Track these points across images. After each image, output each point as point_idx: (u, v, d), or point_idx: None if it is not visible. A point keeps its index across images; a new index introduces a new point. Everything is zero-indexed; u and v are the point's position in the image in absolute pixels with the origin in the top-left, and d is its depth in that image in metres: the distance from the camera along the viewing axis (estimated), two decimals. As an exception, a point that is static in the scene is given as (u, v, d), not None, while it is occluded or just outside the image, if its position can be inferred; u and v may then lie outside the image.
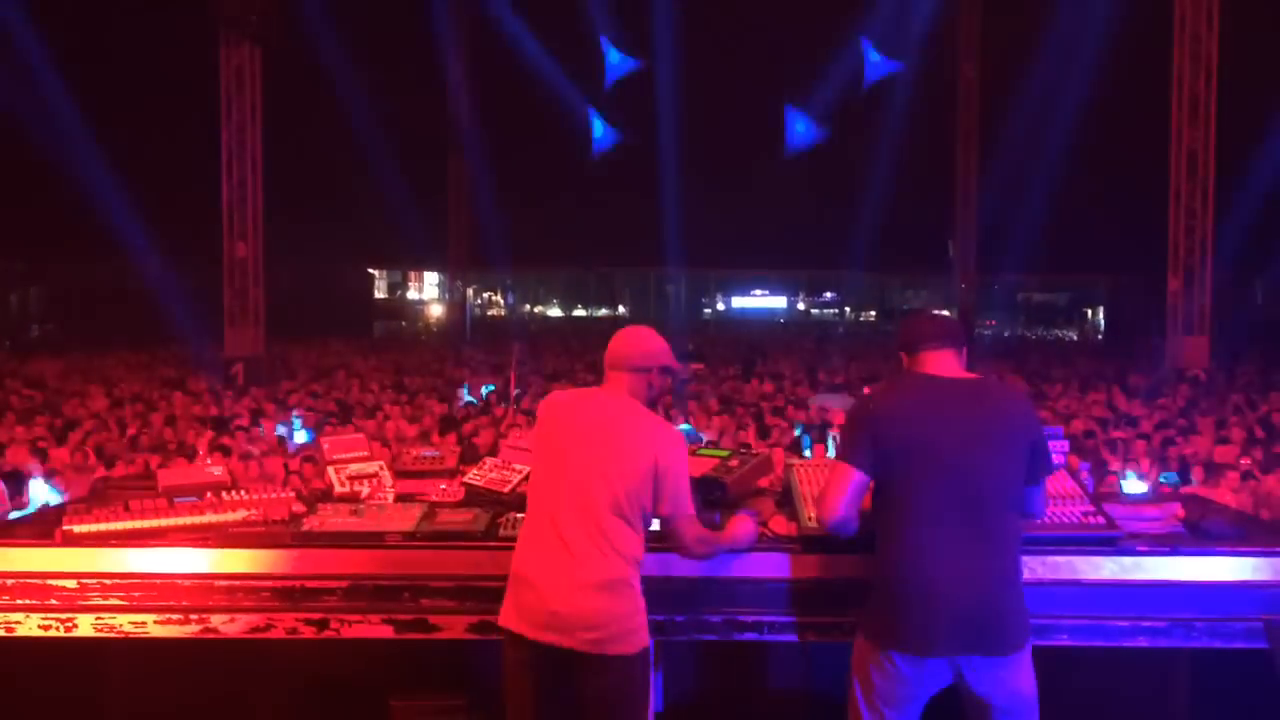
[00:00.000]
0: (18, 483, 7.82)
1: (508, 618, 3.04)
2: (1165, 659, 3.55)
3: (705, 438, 9.17)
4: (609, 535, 2.98)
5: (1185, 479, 7.96)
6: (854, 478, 2.96)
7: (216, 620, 3.37)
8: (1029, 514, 3.04)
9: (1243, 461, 8.52)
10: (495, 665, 3.18)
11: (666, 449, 3.05)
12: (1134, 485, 7.67)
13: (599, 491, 2.99)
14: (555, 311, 53.20)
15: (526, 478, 3.78)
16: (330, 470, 3.99)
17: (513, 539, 3.25)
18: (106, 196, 21.52)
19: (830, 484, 3.02)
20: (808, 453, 8.99)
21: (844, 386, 14.88)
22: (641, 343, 3.21)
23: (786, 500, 3.68)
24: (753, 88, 27.08)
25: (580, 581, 2.95)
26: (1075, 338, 38.51)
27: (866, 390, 4.52)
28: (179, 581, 3.38)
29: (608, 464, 3.00)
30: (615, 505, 2.99)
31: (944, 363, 3.05)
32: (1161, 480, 7.93)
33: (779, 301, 52.62)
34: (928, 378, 3.03)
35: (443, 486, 3.91)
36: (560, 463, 3.05)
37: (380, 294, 43.95)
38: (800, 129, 23.84)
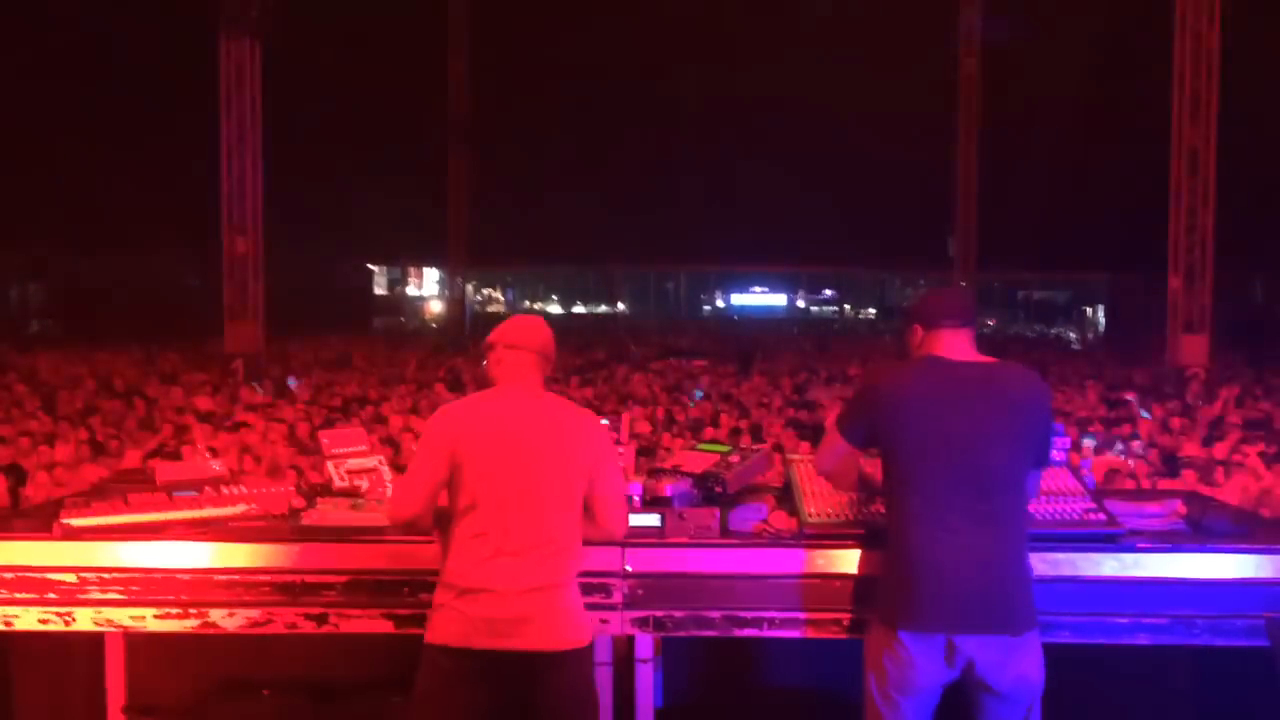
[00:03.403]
0: (16, 477, 7.82)
1: (447, 634, 2.95)
2: (1166, 656, 3.55)
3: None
4: (558, 532, 2.98)
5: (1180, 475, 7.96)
6: (840, 446, 3.13)
7: (215, 615, 3.36)
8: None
9: (1245, 459, 8.51)
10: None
11: (600, 435, 3.09)
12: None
13: (545, 490, 2.97)
14: (555, 308, 53.21)
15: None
16: (329, 464, 3.98)
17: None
18: (106, 191, 21.55)
19: (823, 443, 3.24)
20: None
21: (840, 379, 14.88)
22: (542, 326, 3.22)
23: (787, 496, 3.68)
24: (754, 83, 27.10)
25: (536, 583, 2.93)
26: (1075, 336, 38.51)
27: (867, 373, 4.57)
28: (178, 576, 3.38)
29: (554, 463, 2.99)
30: (561, 501, 2.98)
31: (959, 342, 3.06)
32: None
33: (778, 299, 52.57)
34: (939, 360, 3.04)
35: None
36: (504, 469, 2.97)
37: (380, 290, 43.93)
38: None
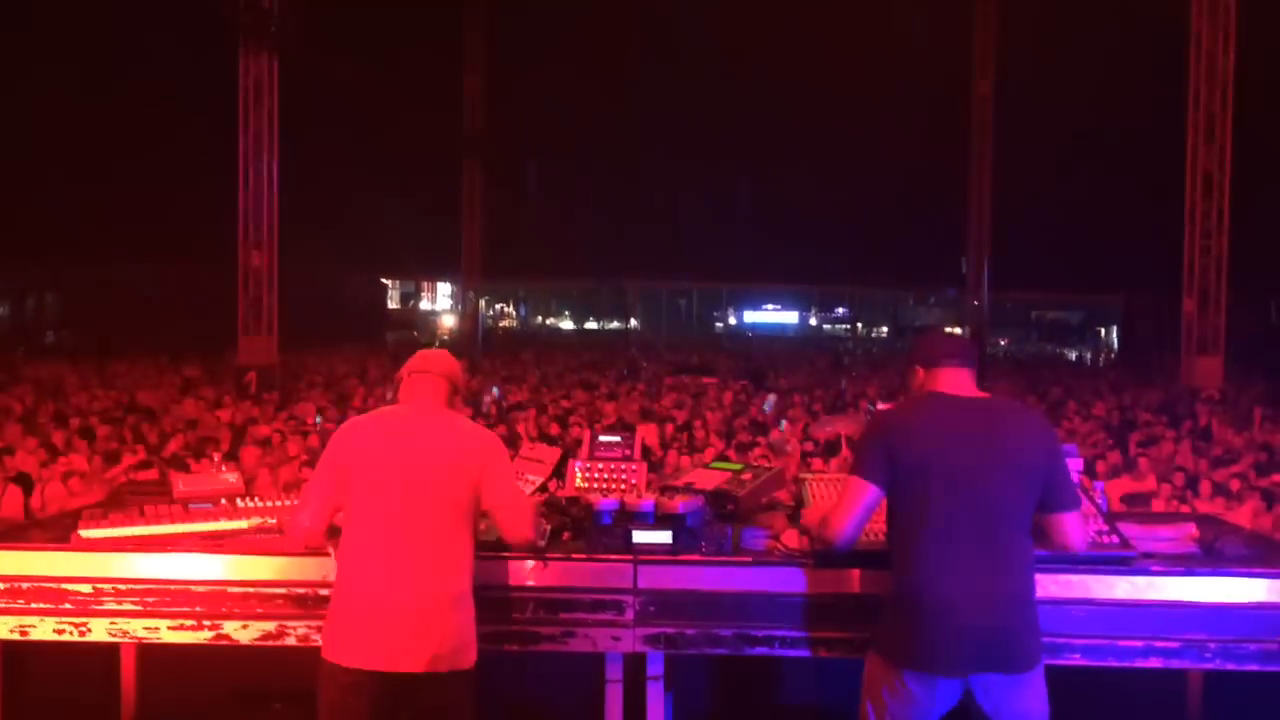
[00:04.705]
0: (28, 487, 7.85)
1: (342, 653, 2.98)
2: (1178, 680, 3.54)
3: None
4: (451, 548, 3.01)
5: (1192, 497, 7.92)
6: (868, 492, 2.95)
7: (229, 627, 3.38)
8: (1063, 546, 2.98)
9: (1260, 482, 8.48)
10: (499, 677, 3.19)
11: (488, 447, 3.12)
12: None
13: (438, 505, 3.00)
14: (567, 324, 53.32)
15: (541, 488, 3.79)
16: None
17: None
18: (122, 204, 21.71)
19: (842, 499, 3.01)
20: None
21: (850, 405, 14.84)
22: (447, 356, 3.34)
23: (798, 514, 3.68)
24: (768, 102, 27.18)
25: (431, 600, 2.96)
26: (1088, 356, 38.39)
27: (880, 406, 4.54)
28: (193, 587, 3.39)
29: (441, 476, 3.02)
30: (454, 517, 3.02)
31: (960, 381, 3.06)
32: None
33: (790, 317, 52.60)
34: (943, 396, 3.04)
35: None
36: (392, 483, 3.01)
37: (393, 304, 44.09)
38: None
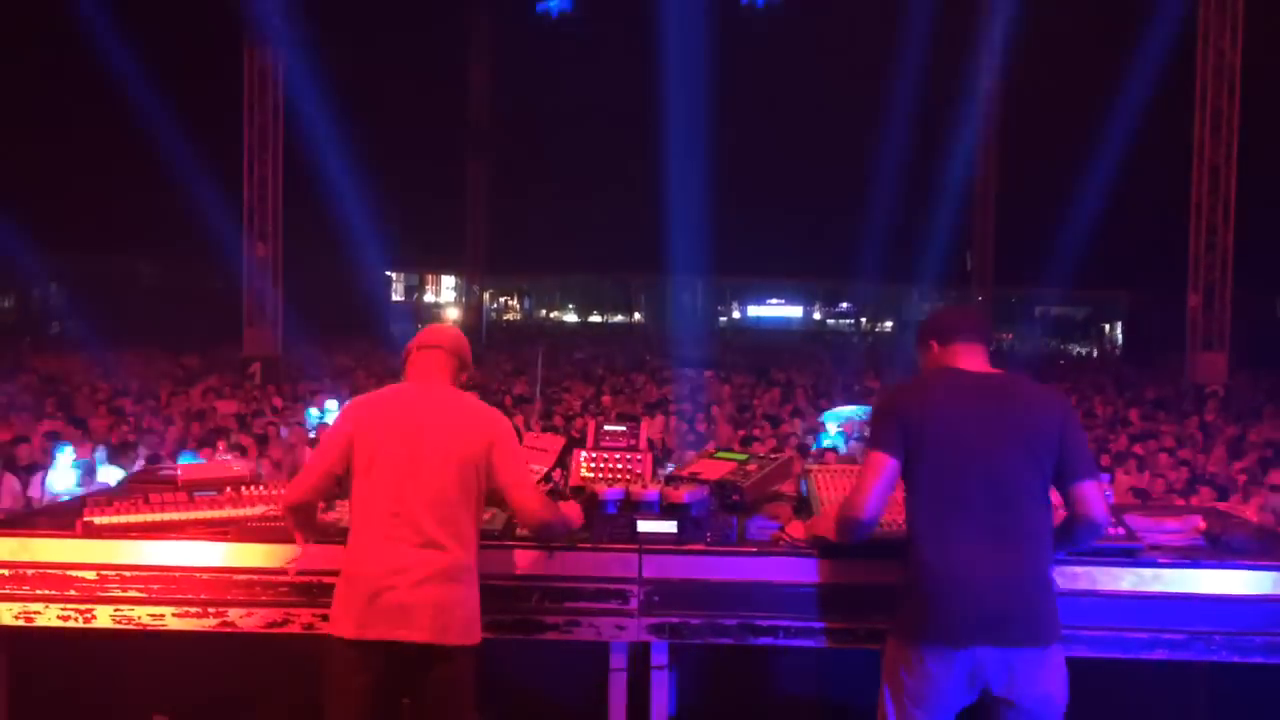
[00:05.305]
0: (35, 476, 7.88)
1: (344, 626, 2.99)
2: (1184, 672, 3.53)
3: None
4: (455, 524, 3.02)
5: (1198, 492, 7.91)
6: (887, 464, 2.94)
7: (234, 614, 3.38)
8: (1090, 518, 2.94)
9: (1269, 476, 8.46)
10: (504, 665, 3.18)
11: (496, 426, 3.12)
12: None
13: (444, 481, 3.01)
14: (571, 317, 53.33)
15: (545, 477, 3.78)
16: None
17: (531, 538, 3.27)
18: (128, 194, 21.71)
19: (863, 474, 2.99)
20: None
21: (859, 397, 14.82)
22: (453, 329, 3.35)
23: (804, 505, 3.67)
24: (774, 98, 27.12)
25: (431, 572, 2.97)
26: (1095, 352, 38.33)
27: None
28: (197, 575, 3.40)
29: (448, 453, 3.03)
30: (459, 493, 3.02)
31: (974, 356, 3.06)
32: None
33: (794, 311, 52.57)
34: (955, 371, 3.04)
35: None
36: (398, 460, 3.03)
37: (398, 297, 44.04)
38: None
